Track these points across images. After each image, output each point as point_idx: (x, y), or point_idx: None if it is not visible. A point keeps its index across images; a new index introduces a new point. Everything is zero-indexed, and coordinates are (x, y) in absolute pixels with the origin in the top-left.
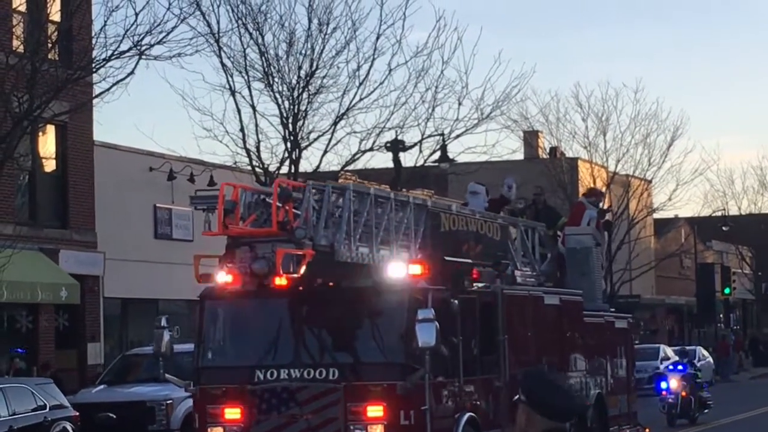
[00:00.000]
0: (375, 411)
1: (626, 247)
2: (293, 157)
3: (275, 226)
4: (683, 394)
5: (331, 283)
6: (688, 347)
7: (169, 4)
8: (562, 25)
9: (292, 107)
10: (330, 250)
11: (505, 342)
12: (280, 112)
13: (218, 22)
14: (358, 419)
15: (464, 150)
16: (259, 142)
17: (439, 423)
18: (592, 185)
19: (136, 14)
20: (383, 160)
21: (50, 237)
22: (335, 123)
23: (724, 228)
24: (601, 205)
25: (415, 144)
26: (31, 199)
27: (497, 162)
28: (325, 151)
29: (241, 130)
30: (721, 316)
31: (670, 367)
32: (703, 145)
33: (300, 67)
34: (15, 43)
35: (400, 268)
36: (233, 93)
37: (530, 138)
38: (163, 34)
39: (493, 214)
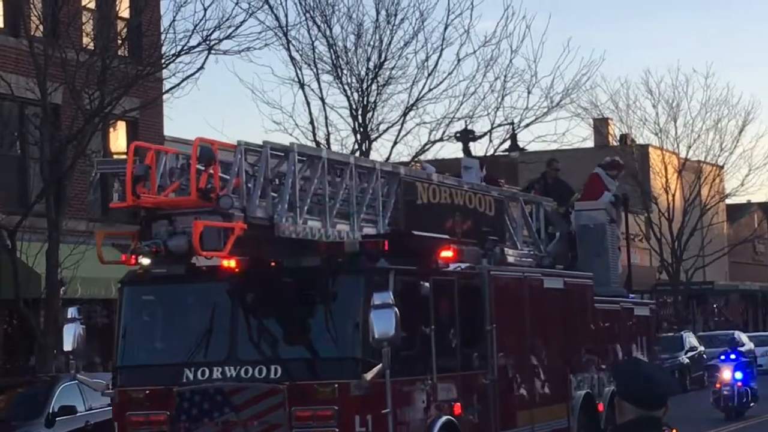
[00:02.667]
0: (324, 415)
1: (698, 234)
2: (363, 148)
3: (194, 194)
4: (738, 384)
5: (272, 263)
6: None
7: (237, 1)
8: (630, 11)
9: (361, 99)
10: (269, 223)
11: (494, 332)
12: (350, 104)
13: (286, 16)
14: (305, 425)
15: (534, 139)
16: (328, 134)
17: (405, 429)
18: (663, 172)
19: (205, 9)
20: (453, 151)
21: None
22: (405, 114)
23: None
24: (620, 178)
25: (485, 134)
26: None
27: (567, 150)
28: (395, 143)
29: (311, 122)
30: None
31: (721, 356)
32: None
33: (369, 59)
34: (85, 40)
35: (355, 245)
36: (302, 86)
37: (600, 125)
38: (232, 28)
39: (486, 186)
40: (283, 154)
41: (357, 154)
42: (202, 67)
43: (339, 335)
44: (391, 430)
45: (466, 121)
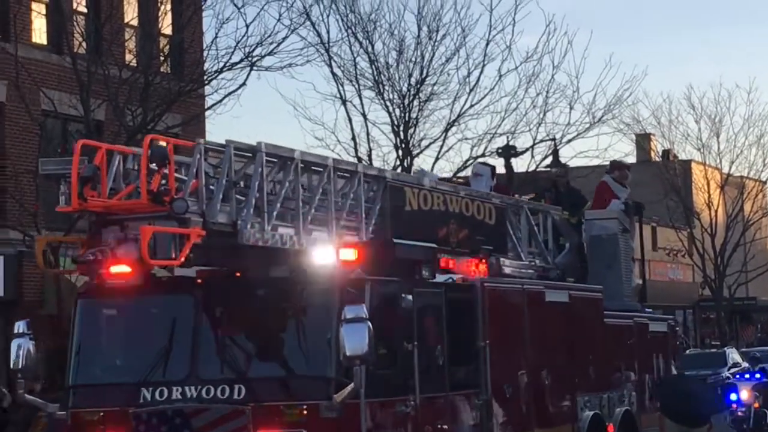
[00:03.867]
0: None
1: (741, 249)
2: (405, 164)
3: (145, 197)
4: (755, 405)
5: (238, 274)
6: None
7: (280, 15)
8: (673, 27)
9: (403, 115)
10: (232, 230)
11: (487, 348)
12: (391, 120)
13: (328, 32)
14: None
15: (576, 154)
16: (370, 150)
17: None
18: (706, 188)
19: (247, 26)
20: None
21: None
22: (446, 130)
23: None
24: (628, 181)
25: (527, 149)
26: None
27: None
28: (437, 158)
29: (353, 138)
30: None
31: (738, 375)
32: None
33: (410, 75)
34: (128, 57)
35: (328, 254)
36: (344, 102)
37: (642, 141)
38: (274, 45)
39: (486, 193)
40: (250, 155)
41: (399, 170)
42: (244, 84)
43: (308, 352)
44: None
45: (507, 137)
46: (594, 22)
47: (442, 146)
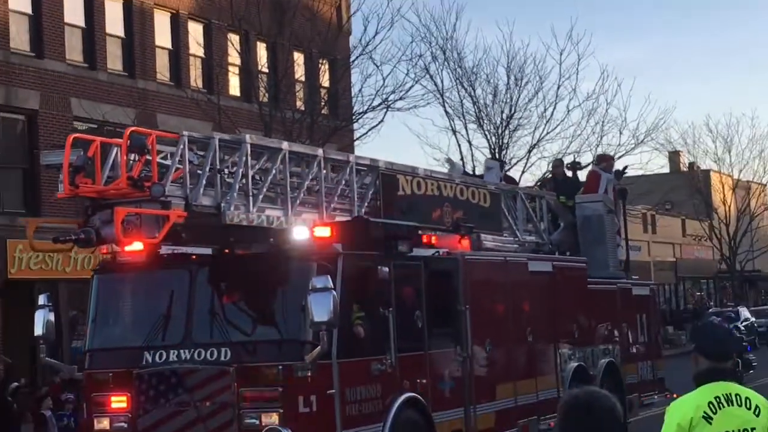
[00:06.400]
0: (270, 396)
1: (749, 235)
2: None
3: (125, 183)
4: None
5: (226, 251)
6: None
7: (407, 71)
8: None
9: (497, 141)
10: (216, 211)
11: (467, 312)
12: (489, 145)
13: (442, 82)
14: (252, 405)
15: (624, 167)
16: (474, 167)
17: (358, 407)
18: (722, 190)
19: (384, 79)
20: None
21: None
22: (529, 151)
23: None
24: (614, 169)
25: (589, 164)
26: None
27: (650, 175)
28: (523, 172)
29: (461, 159)
30: None
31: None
32: None
33: (502, 112)
34: (298, 103)
35: (304, 231)
36: (454, 132)
37: (673, 156)
38: (403, 92)
39: (481, 180)
40: (237, 146)
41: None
42: (382, 121)
43: (285, 319)
44: (338, 410)
45: (574, 155)
46: (637, 69)
47: (526, 163)
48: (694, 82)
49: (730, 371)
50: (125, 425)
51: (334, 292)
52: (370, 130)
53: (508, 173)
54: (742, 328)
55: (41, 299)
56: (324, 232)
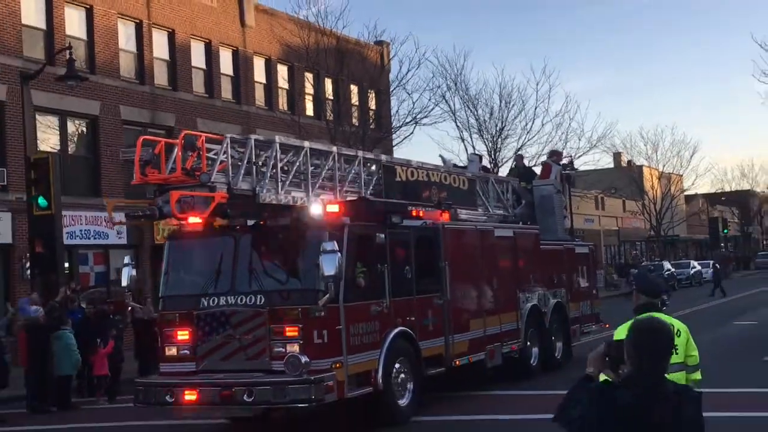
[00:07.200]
0: (292, 331)
1: (670, 210)
2: (495, 173)
3: (179, 172)
4: None
5: (262, 222)
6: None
7: (429, 98)
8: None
9: (493, 146)
10: (252, 194)
11: (447, 267)
12: (487, 149)
13: (454, 104)
14: (280, 338)
15: (582, 164)
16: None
17: (360, 339)
18: (650, 181)
19: (413, 103)
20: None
21: None
22: (515, 153)
23: (722, 198)
24: (562, 162)
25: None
26: None
27: (600, 170)
28: (511, 169)
29: (467, 159)
30: (722, 245)
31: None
32: (710, 156)
33: (496, 126)
34: (354, 121)
35: (318, 208)
36: (463, 140)
37: (617, 156)
38: (427, 113)
39: (462, 169)
40: (269, 145)
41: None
42: (412, 133)
43: (303, 273)
44: (344, 341)
45: (547, 155)
46: (593, 94)
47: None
48: (632, 103)
49: (659, 305)
50: (187, 352)
51: (339, 254)
52: (403, 139)
53: (485, 166)
54: (666, 276)
55: (125, 259)
56: (334, 208)
